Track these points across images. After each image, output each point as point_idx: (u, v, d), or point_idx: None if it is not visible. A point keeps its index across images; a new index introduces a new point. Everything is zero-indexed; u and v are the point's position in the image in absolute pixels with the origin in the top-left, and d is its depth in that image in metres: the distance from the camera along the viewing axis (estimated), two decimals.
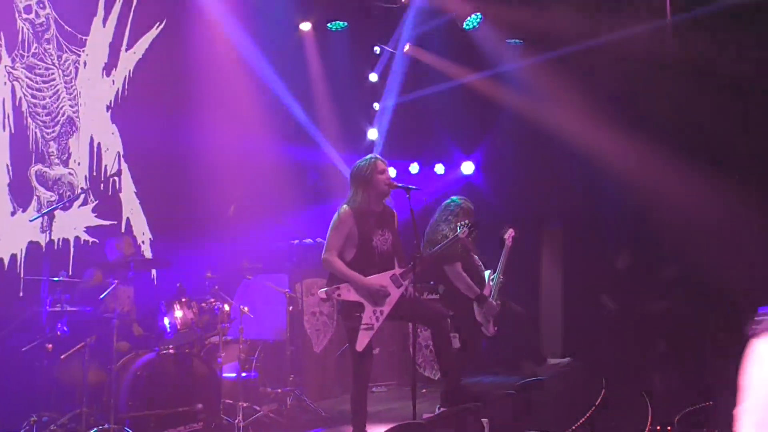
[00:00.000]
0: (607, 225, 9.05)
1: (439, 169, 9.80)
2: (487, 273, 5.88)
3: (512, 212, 8.94)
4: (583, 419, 5.65)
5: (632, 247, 8.68)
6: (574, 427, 5.34)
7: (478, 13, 8.49)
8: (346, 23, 8.62)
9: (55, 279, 5.36)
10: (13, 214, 5.98)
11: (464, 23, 8.59)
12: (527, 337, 5.95)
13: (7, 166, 5.95)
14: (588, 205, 9.09)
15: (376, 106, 9.69)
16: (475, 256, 5.89)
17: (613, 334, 8.27)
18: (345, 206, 4.55)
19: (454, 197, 5.96)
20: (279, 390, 6.26)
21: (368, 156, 4.75)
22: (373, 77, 9.58)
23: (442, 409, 5.22)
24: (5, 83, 5.98)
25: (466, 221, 5.17)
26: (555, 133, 8.58)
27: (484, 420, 4.07)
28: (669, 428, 6.79)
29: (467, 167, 9.61)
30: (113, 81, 6.90)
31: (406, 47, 9.18)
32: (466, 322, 5.82)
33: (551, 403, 5.25)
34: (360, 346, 4.40)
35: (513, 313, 5.91)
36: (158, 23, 7.20)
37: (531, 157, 9.05)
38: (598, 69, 8.03)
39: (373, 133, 9.57)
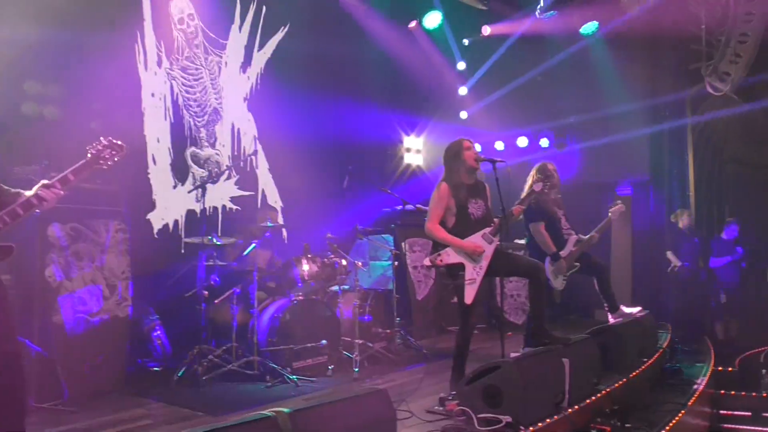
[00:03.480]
0: (671, 188, 8.69)
1: (522, 142, 9.59)
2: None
3: (588, 180, 8.69)
4: (651, 361, 5.46)
5: (695, 208, 8.31)
6: (643, 368, 5.18)
7: (596, 22, 8.18)
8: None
9: (209, 239, 5.54)
10: (174, 187, 6.24)
11: (581, 29, 8.30)
12: (602, 288, 5.72)
13: (169, 149, 6.20)
14: (654, 170, 8.75)
15: (463, 90, 9.56)
16: (563, 221, 5.62)
17: (678, 287, 7.94)
18: (443, 182, 4.49)
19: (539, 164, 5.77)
20: (388, 330, 6.33)
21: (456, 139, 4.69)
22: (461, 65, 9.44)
23: (526, 349, 5.17)
24: (165, 82, 6.21)
25: (540, 175, 4.95)
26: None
27: (565, 360, 3.99)
28: (730, 369, 6.49)
29: (544, 141, 9.38)
30: (248, 77, 7.07)
31: (487, 30, 8.89)
32: None
33: (623, 347, 5.08)
34: (468, 299, 4.32)
35: (595, 264, 5.67)
36: (283, 27, 7.31)
37: (602, 130, 8.74)
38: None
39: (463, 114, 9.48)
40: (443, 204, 4.43)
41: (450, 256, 4.38)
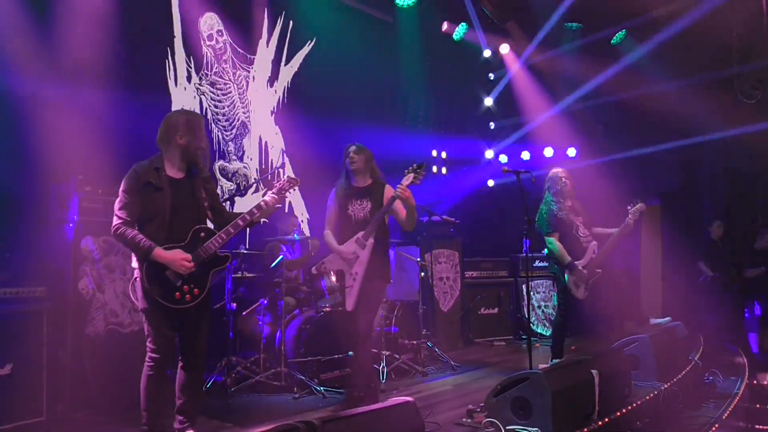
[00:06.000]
0: (702, 199, 8.55)
1: (548, 152, 9.54)
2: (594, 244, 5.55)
3: (615, 190, 8.59)
4: (683, 373, 5.35)
5: (726, 219, 8.15)
6: (675, 379, 5.09)
7: (624, 30, 8.15)
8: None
9: (237, 251, 5.60)
10: None
11: (612, 39, 8.27)
12: (629, 299, 5.63)
13: None
14: (684, 181, 8.61)
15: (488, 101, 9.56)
16: (581, 229, 5.54)
17: (710, 298, 7.80)
18: (334, 188, 4.59)
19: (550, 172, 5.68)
20: (414, 342, 6.32)
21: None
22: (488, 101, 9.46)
23: (555, 361, 5.12)
24: (195, 97, 6.32)
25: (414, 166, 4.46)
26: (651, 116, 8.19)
27: (594, 371, 3.95)
28: (766, 382, 6.34)
29: (570, 151, 9.32)
30: (275, 91, 7.17)
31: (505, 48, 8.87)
32: (560, 283, 5.63)
33: (653, 359, 5.00)
34: (348, 305, 4.31)
35: (614, 276, 5.59)
36: (309, 41, 7.41)
37: (630, 140, 8.64)
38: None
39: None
40: (332, 208, 4.52)
41: (333, 263, 4.40)
